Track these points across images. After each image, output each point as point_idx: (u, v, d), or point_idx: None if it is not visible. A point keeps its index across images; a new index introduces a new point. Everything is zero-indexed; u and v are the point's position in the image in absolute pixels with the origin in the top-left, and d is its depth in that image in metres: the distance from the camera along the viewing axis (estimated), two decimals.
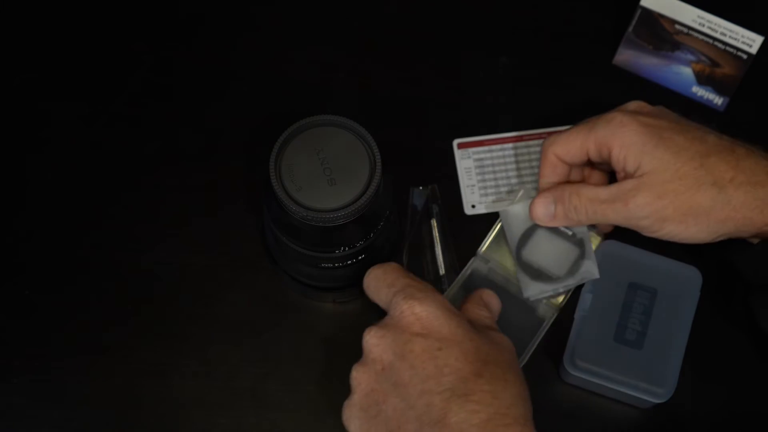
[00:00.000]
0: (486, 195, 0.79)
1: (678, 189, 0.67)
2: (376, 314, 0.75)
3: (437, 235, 0.77)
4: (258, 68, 0.84)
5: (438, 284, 0.75)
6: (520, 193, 0.76)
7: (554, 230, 0.74)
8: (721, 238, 0.69)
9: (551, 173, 0.73)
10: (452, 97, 0.83)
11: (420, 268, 0.76)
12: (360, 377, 0.64)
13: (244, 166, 0.80)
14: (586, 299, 0.72)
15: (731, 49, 0.78)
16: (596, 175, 0.75)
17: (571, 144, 0.71)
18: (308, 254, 0.69)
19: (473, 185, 0.79)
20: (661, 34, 0.80)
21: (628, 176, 0.69)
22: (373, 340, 0.63)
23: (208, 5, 0.87)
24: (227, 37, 0.85)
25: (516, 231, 0.75)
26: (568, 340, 0.71)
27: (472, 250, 0.77)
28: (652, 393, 0.69)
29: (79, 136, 0.81)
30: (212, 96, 0.83)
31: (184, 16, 0.86)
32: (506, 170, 0.80)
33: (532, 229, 0.75)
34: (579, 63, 0.84)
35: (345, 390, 0.73)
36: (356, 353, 0.74)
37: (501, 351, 0.63)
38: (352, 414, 0.64)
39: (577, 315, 0.72)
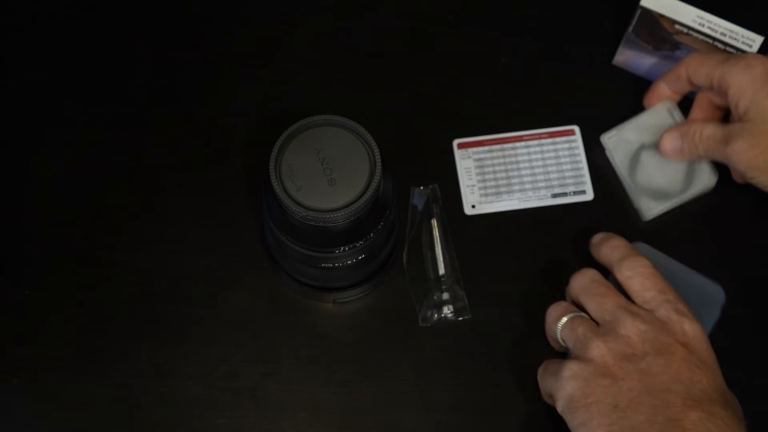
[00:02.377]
0: (486, 195, 0.79)
1: None
2: (375, 315, 0.75)
3: (437, 235, 0.77)
4: (258, 68, 0.84)
5: (438, 284, 0.75)
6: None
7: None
8: None
9: (672, 82, 0.77)
10: (452, 97, 0.83)
11: (420, 268, 0.76)
12: (604, 349, 0.65)
13: (244, 166, 0.80)
14: None
15: (731, 50, 0.78)
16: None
17: (702, 67, 0.74)
18: (308, 254, 0.69)
19: (473, 185, 0.79)
20: (661, 34, 0.80)
21: (737, 118, 0.71)
22: (633, 328, 0.65)
23: (208, 5, 0.87)
24: (227, 37, 0.85)
25: (624, 156, 0.78)
26: None
27: (472, 250, 0.77)
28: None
29: (80, 136, 0.81)
30: (212, 96, 0.83)
31: (184, 17, 0.86)
32: (506, 170, 0.80)
33: (638, 151, 0.78)
34: (579, 63, 0.84)
35: (345, 390, 0.73)
36: (356, 353, 0.74)
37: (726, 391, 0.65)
38: (579, 374, 0.65)
39: None
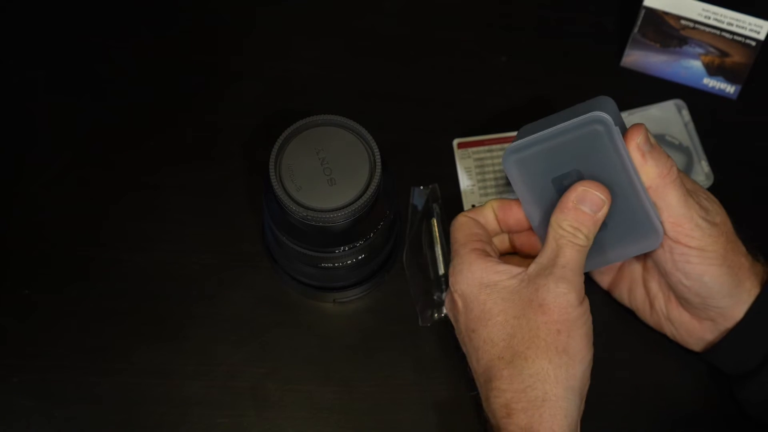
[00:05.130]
0: (486, 195, 0.79)
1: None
2: (375, 315, 0.76)
3: (437, 234, 0.77)
4: (258, 68, 0.84)
5: (438, 284, 0.75)
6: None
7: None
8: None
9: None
10: (452, 97, 0.83)
11: (420, 268, 0.76)
12: (448, 306, 0.68)
13: (244, 166, 0.80)
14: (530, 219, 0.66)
15: (739, 38, 0.78)
16: None
17: None
18: (308, 254, 0.69)
19: (473, 185, 0.79)
20: (668, 31, 0.80)
21: None
22: (448, 296, 0.67)
23: (209, 5, 0.87)
24: (227, 37, 0.85)
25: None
26: None
27: None
28: (647, 242, 0.64)
29: (79, 135, 0.81)
30: (212, 96, 0.83)
31: (184, 16, 0.86)
32: None
33: None
34: (580, 62, 0.84)
35: (345, 390, 0.73)
36: (356, 353, 0.74)
37: (534, 315, 0.61)
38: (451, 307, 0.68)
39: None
